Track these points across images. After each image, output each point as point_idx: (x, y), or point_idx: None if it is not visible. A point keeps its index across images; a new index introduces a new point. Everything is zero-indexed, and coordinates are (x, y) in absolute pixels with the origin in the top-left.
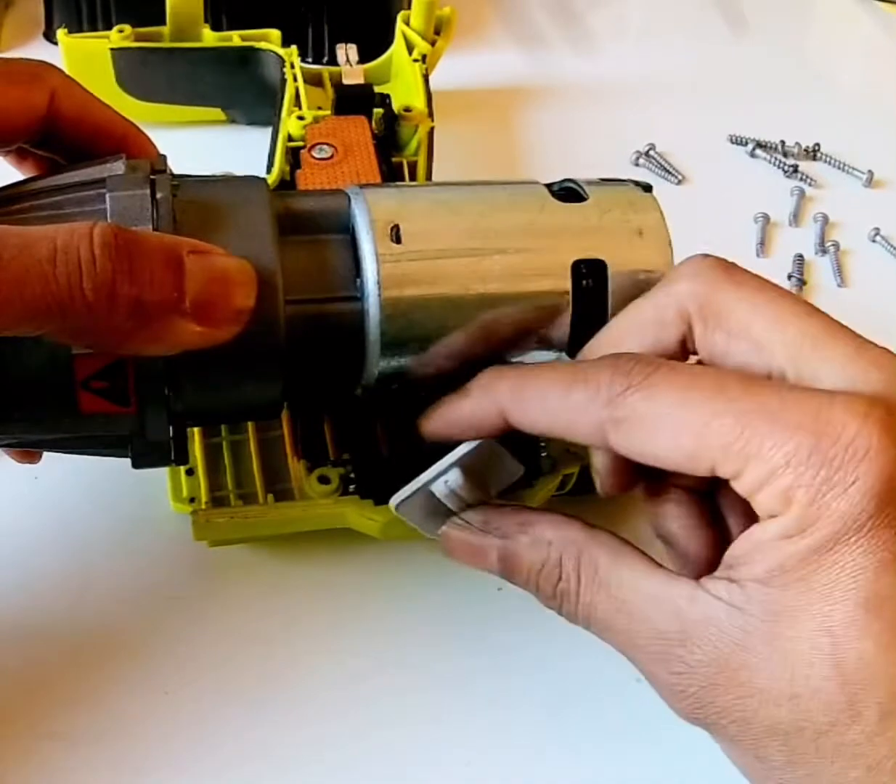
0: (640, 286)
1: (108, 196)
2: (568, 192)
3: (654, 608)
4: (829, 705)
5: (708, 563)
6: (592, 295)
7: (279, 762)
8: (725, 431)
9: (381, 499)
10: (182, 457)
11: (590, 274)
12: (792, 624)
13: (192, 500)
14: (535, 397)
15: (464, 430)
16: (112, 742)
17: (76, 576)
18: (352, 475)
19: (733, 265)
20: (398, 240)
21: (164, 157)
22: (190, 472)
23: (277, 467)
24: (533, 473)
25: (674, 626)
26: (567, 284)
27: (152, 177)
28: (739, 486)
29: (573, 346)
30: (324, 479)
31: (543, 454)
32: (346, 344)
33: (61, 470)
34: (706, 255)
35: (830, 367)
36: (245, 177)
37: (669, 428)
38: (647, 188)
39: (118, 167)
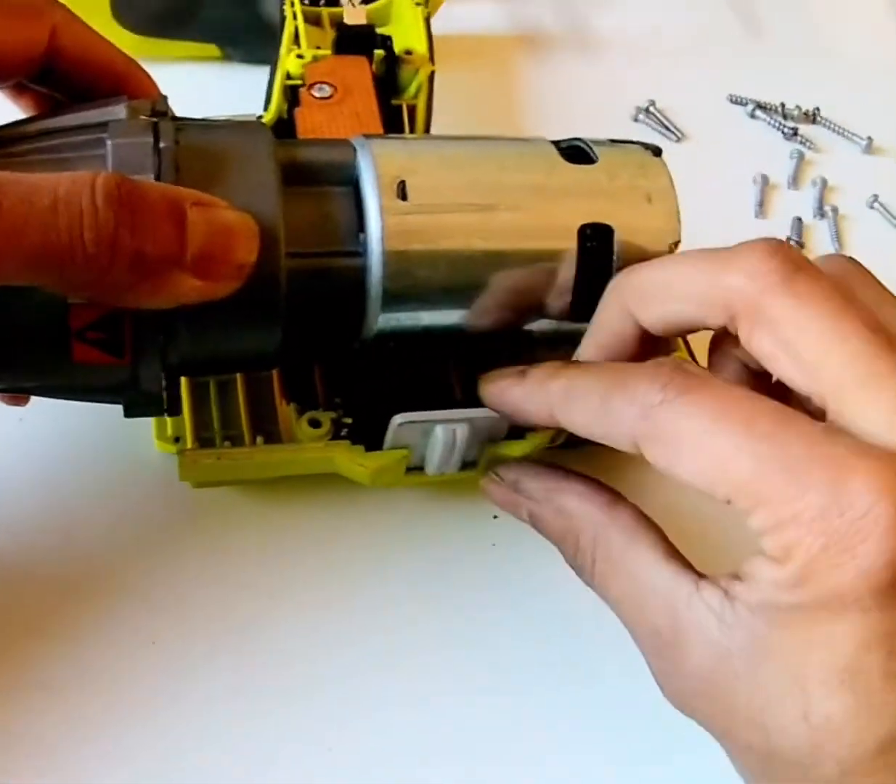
0: (645, 252)
1: (109, 143)
2: (576, 152)
3: (655, 602)
4: (795, 748)
5: None
6: (597, 259)
7: (268, 710)
8: (744, 470)
9: (373, 444)
10: (175, 407)
11: (596, 238)
12: (770, 664)
13: (177, 439)
14: (579, 402)
15: (516, 416)
16: (97, 692)
17: (59, 518)
18: (343, 420)
19: (803, 267)
20: (404, 196)
21: (165, 98)
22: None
23: (265, 409)
24: (525, 428)
25: (669, 624)
26: (572, 246)
27: (155, 121)
28: (751, 524)
29: (576, 310)
30: (314, 423)
31: None
32: (347, 299)
33: (46, 410)
34: (776, 247)
35: (873, 411)
36: (249, 122)
37: (694, 453)
38: (657, 152)
39: (119, 110)
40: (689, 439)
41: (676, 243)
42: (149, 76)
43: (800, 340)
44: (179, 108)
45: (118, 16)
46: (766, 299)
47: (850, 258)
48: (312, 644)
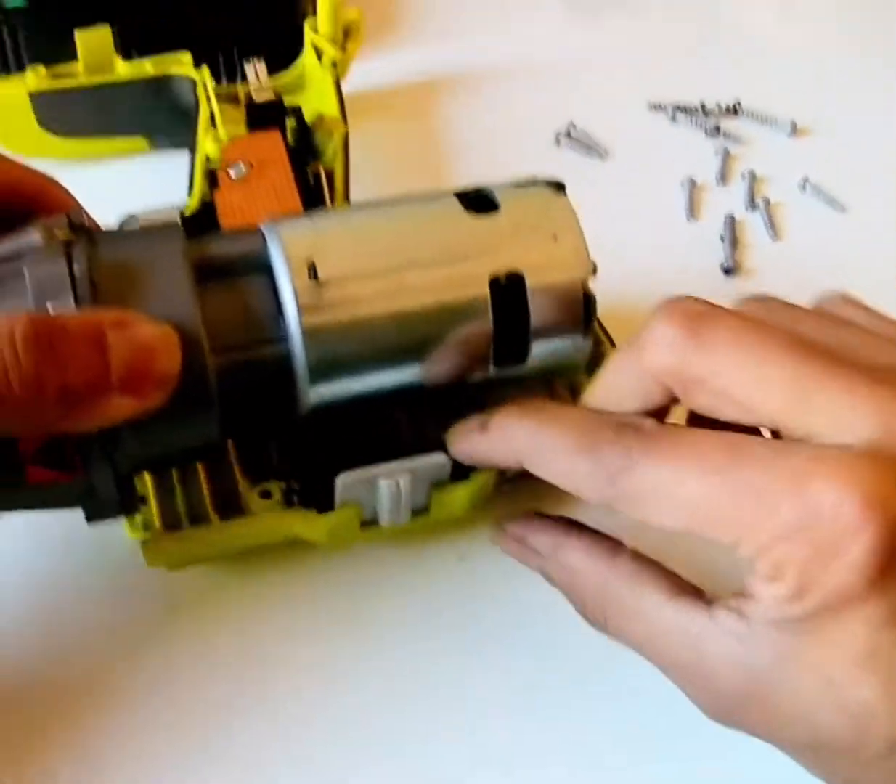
0: (559, 290)
1: (26, 274)
2: (480, 201)
3: (675, 640)
4: (842, 738)
5: None
6: (512, 307)
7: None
8: (714, 508)
9: (327, 505)
10: (131, 507)
11: (508, 286)
12: (799, 671)
13: (146, 527)
14: (547, 457)
15: (485, 464)
16: None
17: (38, 617)
18: (293, 486)
19: (702, 317)
20: (315, 276)
21: (79, 210)
22: (142, 501)
23: (228, 485)
24: (469, 466)
25: (693, 656)
26: (486, 295)
27: (69, 245)
28: (739, 554)
29: (498, 358)
30: (265, 494)
31: None
32: (277, 382)
33: (13, 517)
34: (672, 309)
35: (824, 419)
36: (160, 226)
37: (666, 507)
38: (560, 188)
39: (35, 238)
40: (657, 495)
41: (593, 270)
42: (63, 189)
43: (728, 387)
44: (114, 203)
45: (44, 124)
46: (682, 366)
47: (763, 295)
48: (305, 710)
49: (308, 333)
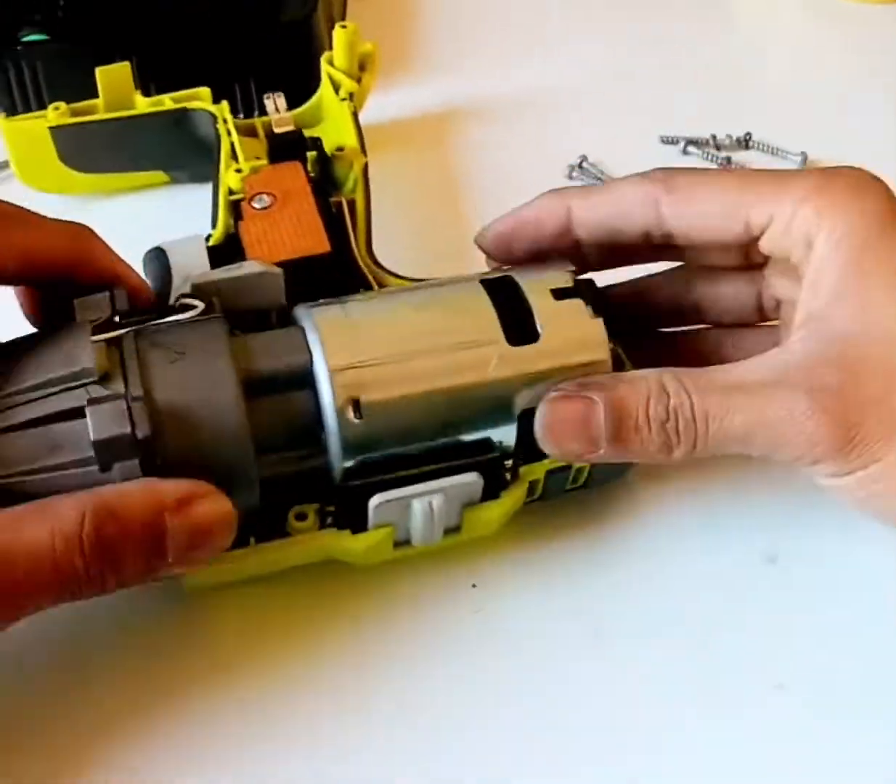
0: None
1: (89, 426)
2: (508, 298)
3: (761, 367)
4: None
5: None
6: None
7: None
8: (754, 189)
9: (361, 526)
10: None
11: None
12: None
13: None
14: (597, 192)
15: (528, 234)
16: None
17: (65, 643)
18: (327, 508)
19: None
20: (359, 413)
21: (123, 293)
22: None
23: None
24: (499, 486)
25: (807, 386)
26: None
27: (128, 406)
28: (773, 231)
29: (518, 457)
30: (301, 516)
31: (507, 466)
32: (314, 476)
33: None
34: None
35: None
36: (207, 336)
37: (712, 191)
38: (598, 308)
39: (83, 356)
40: (705, 184)
41: None
42: (100, 248)
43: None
44: (136, 236)
45: (65, 160)
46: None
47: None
48: (324, 729)
49: (347, 450)
